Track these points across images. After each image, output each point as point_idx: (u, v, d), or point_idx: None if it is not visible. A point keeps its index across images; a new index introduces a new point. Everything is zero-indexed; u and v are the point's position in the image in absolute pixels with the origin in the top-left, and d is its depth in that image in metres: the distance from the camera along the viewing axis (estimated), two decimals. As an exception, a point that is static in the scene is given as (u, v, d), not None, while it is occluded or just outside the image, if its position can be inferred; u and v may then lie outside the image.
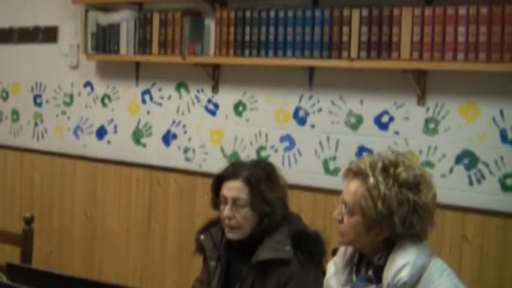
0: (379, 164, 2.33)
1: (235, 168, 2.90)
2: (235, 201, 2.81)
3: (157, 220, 4.68)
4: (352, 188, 2.35)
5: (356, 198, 2.32)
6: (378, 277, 2.32)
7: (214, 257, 2.90)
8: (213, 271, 2.89)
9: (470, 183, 3.55)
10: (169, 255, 4.63)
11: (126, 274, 4.80)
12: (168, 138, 4.60)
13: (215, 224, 2.93)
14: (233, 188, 2.84)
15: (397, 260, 2.27)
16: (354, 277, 2.41)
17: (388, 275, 2.27)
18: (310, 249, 2.79)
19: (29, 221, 3.50)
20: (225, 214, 2.81)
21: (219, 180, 2.91)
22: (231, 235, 2.82)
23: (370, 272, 2.36)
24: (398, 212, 2.27)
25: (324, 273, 2.62)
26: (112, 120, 4.89)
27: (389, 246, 2.32)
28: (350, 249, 2.46)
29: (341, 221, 2.38)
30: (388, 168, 2.32)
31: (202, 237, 2.95)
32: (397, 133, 3.74)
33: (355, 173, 2.36)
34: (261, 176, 2.83)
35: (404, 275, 2.23)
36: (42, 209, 5.23)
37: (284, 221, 2.84)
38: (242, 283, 2.80)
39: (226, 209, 2.82)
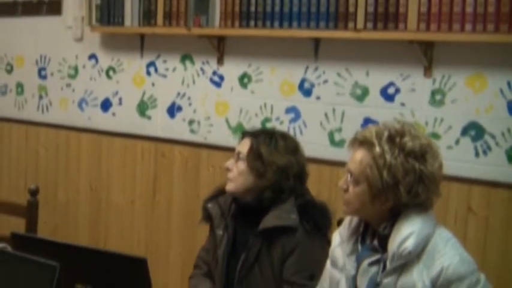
0: (385, 133, 2.32)
1: (257, 129, 3.04)
2: (238, 154, 2.91)
3: (162, 192, 4.68)
4: (358, 157, 2.34)
5: (361, 167, 2.32)
6: (383, 247, 2.32)
7: (221, 225, 2.92)
8: (220, 240, 2.91)
9: (477, 154, 3.54)
10: (174, 227, 4.63)
11: (131, 246, 4.80)
12: (173, 110, 4.59)
13: (222, 192, 2.96)
14: (241, 144, 2.94)
15: (402, 229, 2.27)
16: (359, 247, 2.41)
17: (393, 244, 2.26)
18: (316, 220, 2.81)
19: (33, 193, 3.51)
20: (225, 164, 2.94)
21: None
22: (226, 187, 2.92)
23: (375, 242, 2.36)
24: (403, 181, 2.26)
25: (329, 244, 2.62)
26: (117, 93, 4.87)
27: (394, 216, 2.32)
28: (355, 219, 2.46)
29: (346, 190, 2.38)
30: (394, 137, 2.31)
31: (210, 205, 2.98)
32: (403, 105, 3.72)
33: (361, 142, 2.36)
34: (266, 139, 2.90)
35: (409, 244, 2.23)
36: (48, 182, 5.23)
37: (292, 194, 2.85)
38: (248, 252, 2.82)
39: (229, 161, 2.92)
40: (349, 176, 2.38)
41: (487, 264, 3.41)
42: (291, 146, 2.94)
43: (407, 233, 2.25)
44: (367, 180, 2.31)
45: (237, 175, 2.88)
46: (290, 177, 2.87)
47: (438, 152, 2.36)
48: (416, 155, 2.29)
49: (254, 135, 2.94)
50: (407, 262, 2.25)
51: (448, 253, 2.25)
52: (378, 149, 2.30)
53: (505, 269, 3.46)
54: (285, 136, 3.00)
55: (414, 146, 2.30)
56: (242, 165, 2.88)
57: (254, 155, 2.87)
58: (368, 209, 2.35)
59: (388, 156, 2.28)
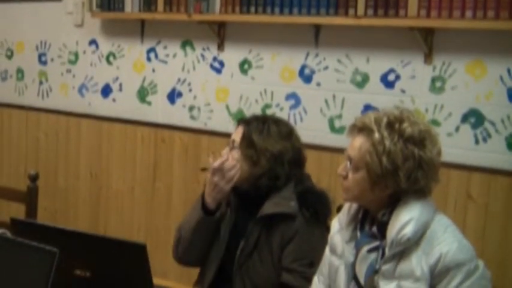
0: (384, 120, 2.32)
1: (251, 117, 2.99)
2: (232, 143, 2.88)
3: (162, 178, 4.69)
4: (357, 143, 2.34)
5: (361, 154, 2.31)
6: (382, 233, 2.32)
7: (224, 201, 2.92)
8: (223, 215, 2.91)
9: (476, 142, 3.54)
10: (173, 213, 4.63)
11: (131, 233, 4.81)
12: (173, 96, 4.59)
13: None
14: (236, 132, 2.92)
15: (401, 216, 2.27)
16: (358, 233, 2.41)
17: (392, 231, 2.26)
18: (316, 207, 2.80)
19: (33, 178, 3.51)
20: (221, 153, 2.89)
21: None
22: None
23: (374, 228, 2.36)
24: (403, 167, 2.26)
25: (328, 231, 2.62)
26: (117, 79, 4.87)
27: (393, 202, 2.32)
28: (354, 205, 2.46)
29: (345, 177, 2.38)
30: (393, 123, 2.31)
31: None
32: (403, 91, 3.72)
33: (360, 128, 2.35)
34: (259, 126, 2.88)
35: (408, 231, 2.23)
36: (48, 168, 5.23)
37: (290, 179, 2.84)
38: (247, 239, 2.82)
39: (224, 149, 2.89)
40: (348, 163, 2.37)
41: (487, 252, 3.42)
42: (284, 131, 2.92)
43: (406, 219, 2.25)
44: (367, 167, 2.31)
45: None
46: (285, 163, 2.85)
47: (437, 138, 2.36)
48: (416, 141, 2.29)
49: (247, 122, 2.92)
50: (406, 249, 2.25)
51: (447, 240, 2.25)
52: (377, 135, 2.29)
53: (505, 256, 3.46)
54: (278, 121, 2.97)
55: (413, 132, 2.29)
56: (236, 154, 2.86)
57: (247, 142, 2.85)
58: (367, 195, 2.34)
59: (387, 143, 2.28)
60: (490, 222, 3.49)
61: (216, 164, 2.81)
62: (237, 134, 2.89)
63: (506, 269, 3.44)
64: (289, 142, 2.90)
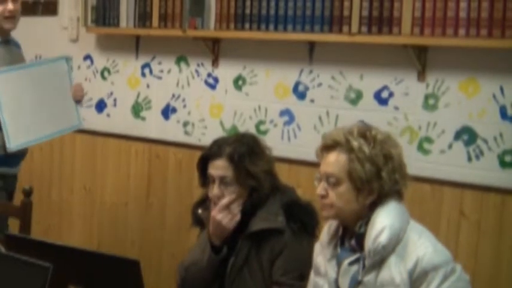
0: (355, 131, 2.44)
1: (218, 146, 2.92)
2: (222, 179, 2.85)
3: (156, 194, 4.69)
4: (332, 159, 2.44)
5: (340, 167, 2.41)
6: (361, 245, 2.39)
7: None
8: None
9: (469, 159, 3.55)
10: (167, 228, 4.63)
11: (125, 247, 4.81)
12: (167, 111, 4.60)
13: None
14: (218, 167, 2.87)
15: (375, 225, 2.34)
16: (339, 250, 2.47)
17: (368, 241, 2.34)
18: (303, 219, 2.83)
19: (28, 193, 3.51)
20: (214, 193, 2.86)
21: (204, 160, 2.92)
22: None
23: (353, 242, 2.42)
24: (384, 168, 2.37)
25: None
26: (111, 94, 4.88)
27: (373, 210, 2.40)
28: (334, 224, 2.53)
29: (325, 196, 2.43)
30: (364, 132, 2.44)
31: (200, 211, 2.97)
32: (396, 108, 3.73)
33: (331, 146, 2.46)
34: (244, 152, 2.87)
35: (382, 239, 2.30)
36: (42, 182, 5.23)
37: (275, 192, 2.87)
38: (237, 255, 2.83)
39: (214, 188, 2.86)
40: (324, 182, 2.44)
41: (479, 268, 3.43)
42: (258, 143, 2.97)
43: (380, 228, 2.32)
44: (349, 176, 2.39)
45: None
46: (272, 175, 2.94)
47: (397, 141, 2.51)
48: (388, 143, 2.43)
49: (229, 155, 2.87)
50: (384, 257, 2.32)
51: (423, 244, 2.32)
52: (355, 143, 2.40)
53: (497, 273, 3.46)
54: (246, 137, 3.01)
55: (383, 136, 2.44)
56: (232, 188, 2.85)
57: (244, 175, 2.85)
58: (352, 206, 2.41)
59: (365, 148, 2.39)
60: (482, 239, 3.50)
61: (225, 201, 2.82)
62: (222, 170, 2.86)
63: (498, 286, 3.45)
64: (267, 151, 2.95)
